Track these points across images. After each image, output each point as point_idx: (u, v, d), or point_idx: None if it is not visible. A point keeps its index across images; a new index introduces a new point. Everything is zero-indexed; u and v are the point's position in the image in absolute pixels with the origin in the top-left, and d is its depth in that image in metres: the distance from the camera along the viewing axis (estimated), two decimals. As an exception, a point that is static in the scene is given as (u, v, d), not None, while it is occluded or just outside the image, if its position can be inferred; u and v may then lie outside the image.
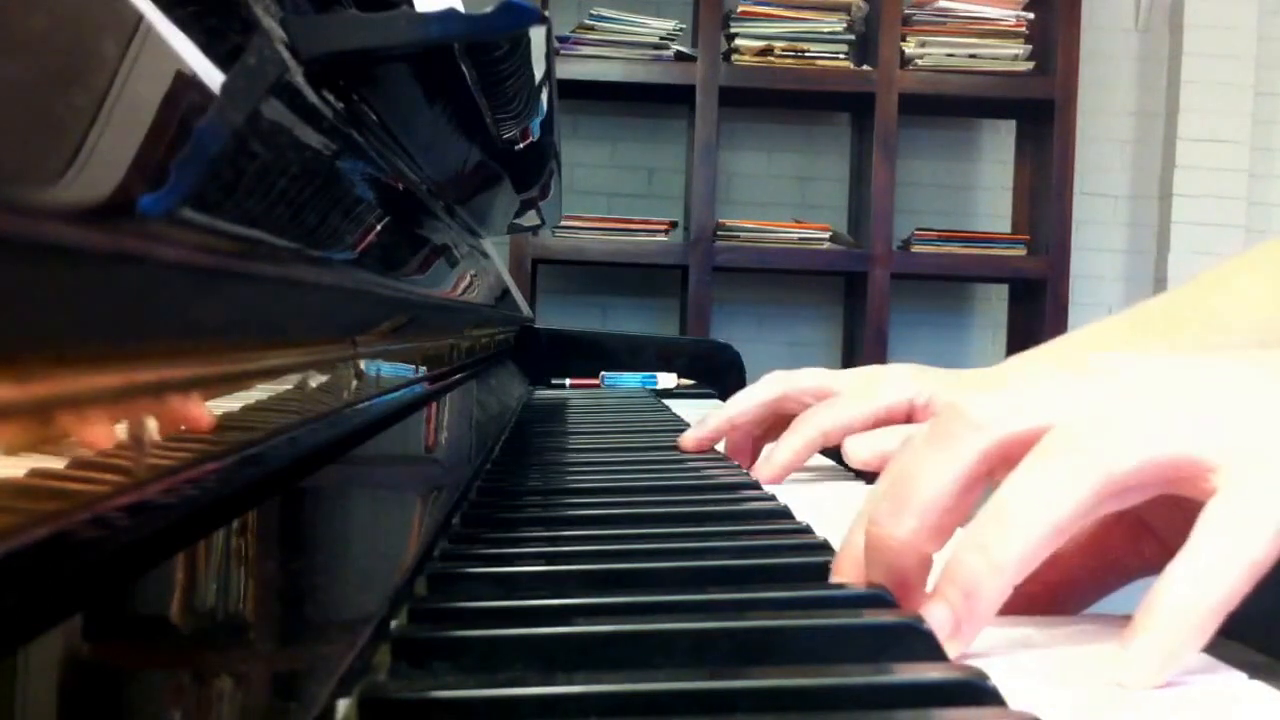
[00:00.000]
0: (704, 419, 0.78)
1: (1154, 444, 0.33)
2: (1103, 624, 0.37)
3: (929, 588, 0.36)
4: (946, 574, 0.34)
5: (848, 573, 0.38)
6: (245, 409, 0.25)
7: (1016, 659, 0.33)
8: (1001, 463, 0.35)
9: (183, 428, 0.21)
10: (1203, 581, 0.31)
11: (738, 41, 2.85)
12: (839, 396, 0.71)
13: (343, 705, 0.27)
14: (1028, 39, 2.89)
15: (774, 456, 0.70)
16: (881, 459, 0.67)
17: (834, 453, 0.74)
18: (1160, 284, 3.17)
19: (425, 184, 0.65)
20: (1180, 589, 0.31)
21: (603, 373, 1.50)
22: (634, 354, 1.54)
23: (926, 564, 0.36)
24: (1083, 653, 0.34)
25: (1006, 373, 0.65)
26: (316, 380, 0.31)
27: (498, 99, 0.67)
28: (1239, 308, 0.64)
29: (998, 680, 0.28)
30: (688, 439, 0.78)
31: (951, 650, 0.33)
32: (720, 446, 0.79)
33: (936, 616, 0.33)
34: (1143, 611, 0.31)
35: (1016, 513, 0.33)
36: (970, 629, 0.33)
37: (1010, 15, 2.90)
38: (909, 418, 0.69)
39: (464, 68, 0.58)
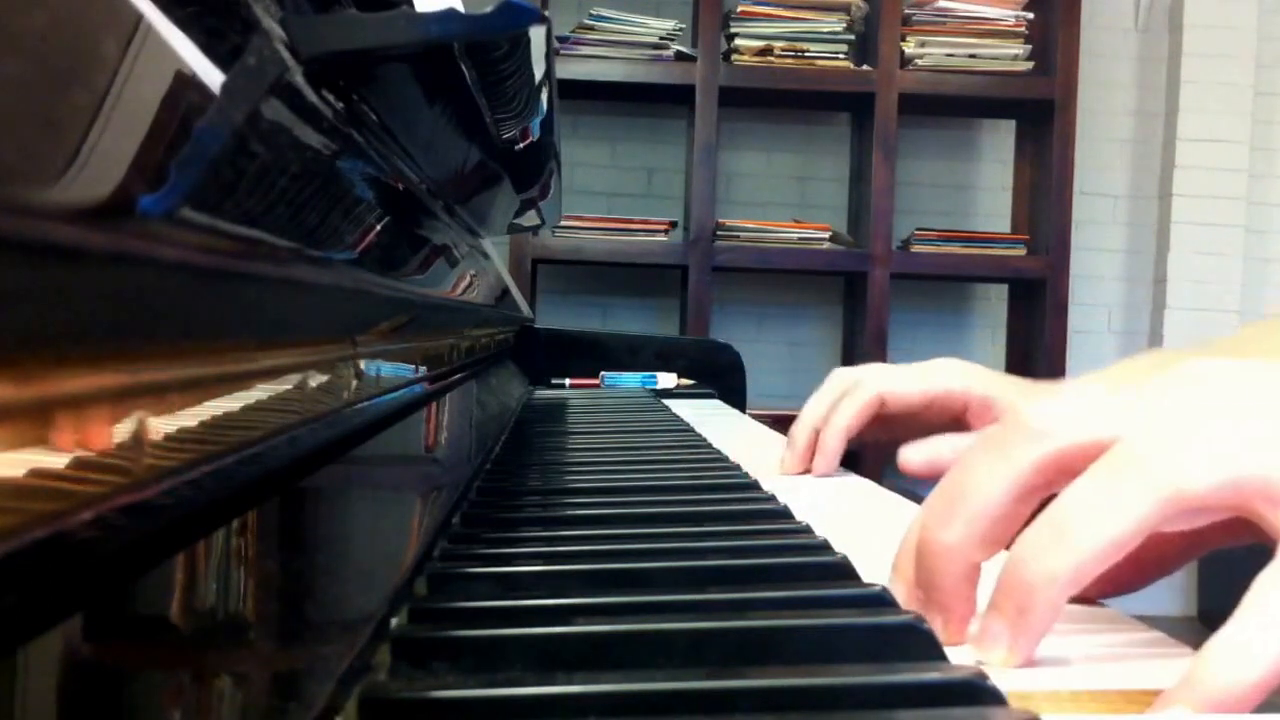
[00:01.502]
0: (822, 445, 0.73)
1: (1233, 463, 0.30)
2: (1106, 621, 0.37)
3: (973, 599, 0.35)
4: (1001, 585, 0.33)
5: (903, 570, 0.37)
6: (245, 409, 0.25)
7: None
8: (1060, 474, 0.33)
9: (182, 428, 0.21)
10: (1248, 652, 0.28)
11: (737, 41, 2.85)
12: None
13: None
14: (1027, 39, 2.89)
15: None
16: (933, 465, 0.67)
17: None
18: (1160, 284, 3.17)
19: (425, 184, 0.65)
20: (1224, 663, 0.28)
21: (602, 373, 1.50)
22: (634, 354, 1.54)
23: (973, 571, 0.35)
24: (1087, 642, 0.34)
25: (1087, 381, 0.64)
26: (316, 380, 0.31)
27: (498, 99, 0.67)
28: None
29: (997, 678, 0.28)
30: (819, 465, 0.74)
31: (1010, 662, 0.32)
32: (733, 445, 0.79)
33: (992, 628, 0.32)
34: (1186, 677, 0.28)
35: (1074, 525, 0.31)
36: (1026, 641, 0.32)
37: (1010, 15, 2.90)
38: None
39: (464, 68, 0.58)
